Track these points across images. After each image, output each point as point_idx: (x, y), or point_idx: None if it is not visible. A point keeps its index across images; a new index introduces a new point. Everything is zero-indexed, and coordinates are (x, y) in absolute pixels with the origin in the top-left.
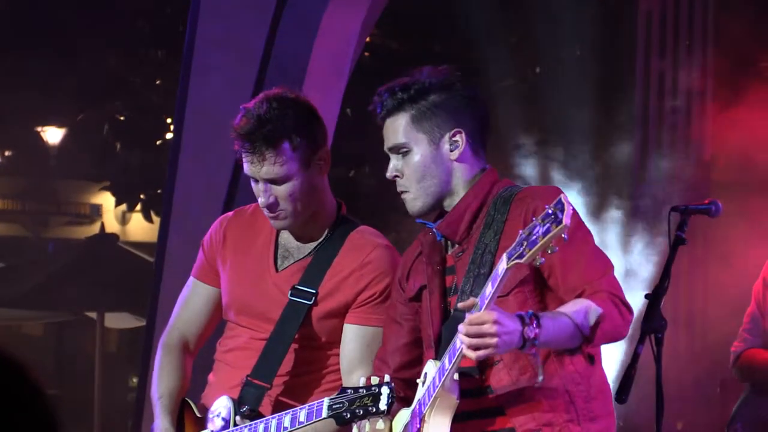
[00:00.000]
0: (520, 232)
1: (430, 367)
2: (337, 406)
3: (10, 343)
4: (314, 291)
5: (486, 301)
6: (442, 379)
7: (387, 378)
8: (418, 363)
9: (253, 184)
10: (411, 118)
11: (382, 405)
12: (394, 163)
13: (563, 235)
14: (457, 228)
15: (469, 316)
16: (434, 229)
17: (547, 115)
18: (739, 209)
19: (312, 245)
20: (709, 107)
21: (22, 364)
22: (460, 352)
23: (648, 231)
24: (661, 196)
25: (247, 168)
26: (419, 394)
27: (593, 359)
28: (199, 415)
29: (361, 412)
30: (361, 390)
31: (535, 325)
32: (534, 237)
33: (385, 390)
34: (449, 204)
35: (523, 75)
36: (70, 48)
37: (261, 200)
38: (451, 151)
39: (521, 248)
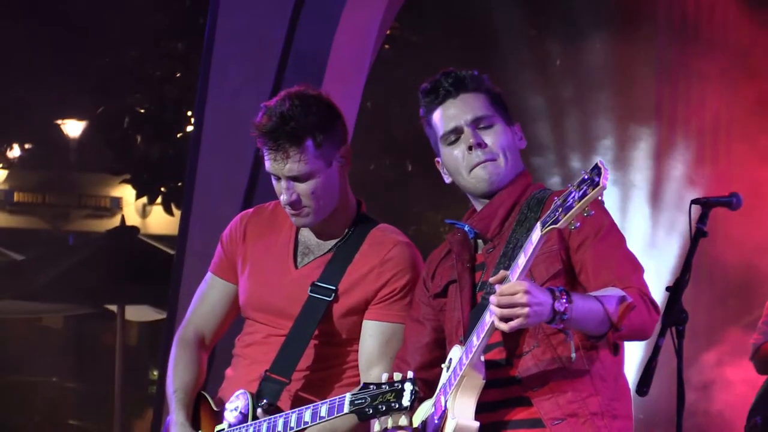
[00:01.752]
0: (555, 199)
1: (455, 352)
2: (359, 401)
3: (30, 336)
4: (334, 287)
5: (518, 272)
6: (470, 357)
7: (410, 374)
8: (438, 363)
9: (274, 181)
10: (491, 99)
11: (405, 401)
12: (477, 134)
13: (600, 198)
14: (490, 224)
15: (500, 287)
16: (466, 227)
17: (566, 107)
18: (758, 201)
19: (332, 242)
20: (730, 96)
21: None
22: (490, 326)
23: (669, 223)
24: (683, 188)
25: (269, 165)
26: (443, 379)
27: (617, 349)
28: (216, 409)
29: (384, 408)
30: (383, 386)
31: (565, 300)
32: (570, 202)
33: (408, 386)
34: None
35: (542, 67)
36: (90, 41)
37: (283, 198)
38: (520, 139)
39: (556, 214)
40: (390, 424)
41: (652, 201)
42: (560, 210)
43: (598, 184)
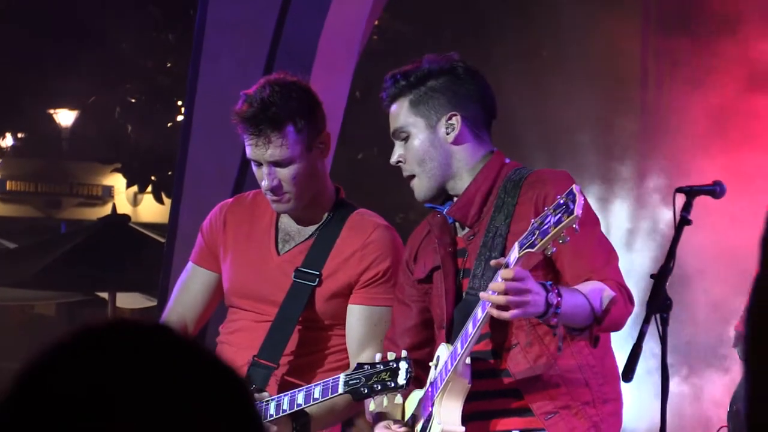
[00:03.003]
0: (532, 221)
1: (443, 351)
2: (354, 381)
3: (23, 323)
4: (318, 273)
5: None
6: (454, 364)
7: (404, 353)
8: (427, 344)
9: (255, 168)
10: (410, 103)
11: (401, 380)
12: (397, 149)
13: (574, 226)
14: (468, 212)
15: (506, 271)
16: (445, 214)
17: (552, 97)
18: (744, 189)
19: (312, 228)
20: (716, 85)
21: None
22: (474, 335)
23: (653, 211)
24: (667, 177)
25: (250, 152)
26: (431, 377)
27: (597, 341)
28: None
29: (380, 387)
30: (378, 366)
31: (556, 293)
32: (546, 226)
33: (403, 365)
34: (453, 187)
35: (529, 58)
36: (82, 32)
37: (265, 183)
38: (447, 134)
39: (533, 237)
40: (386, 403)
41: (636, 189)
42: (537, 233)
43: (572, 212)
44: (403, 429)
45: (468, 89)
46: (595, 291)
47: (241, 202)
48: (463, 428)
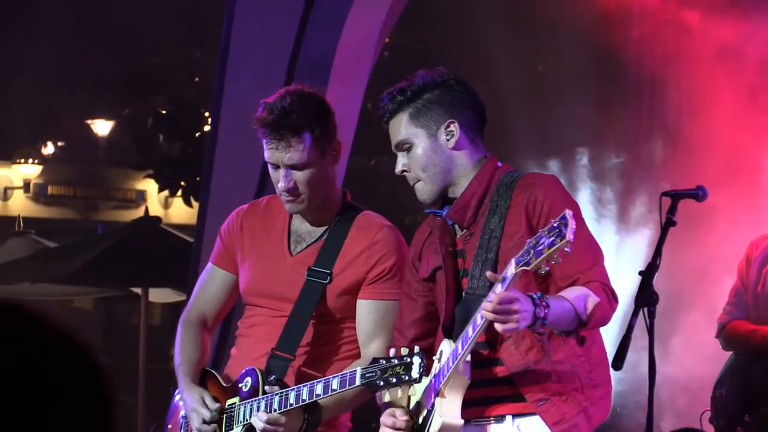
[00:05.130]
0: (528, 241)
1: (446, 347)
2: (370, 375)
3: (63, 317)
4: (329, 271)
5: (506, 284)
6: (455, 363)
7: (416, 348)
8: (432, 334)
9: (272, 170)
10: (409, 116)
11: (415, 373)
12: (401, 159)
13: (566, 249)
14: (465, 214)
15: (494, 296)
16: (444, 216)
17: (549, 111)
18: (728, 194)
19: (322, 229)
20: (703, 98)
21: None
22: (473, 338)
23: (641, 214)
24: (654, 181)
25: (269, 155)
26: (434, 370)
27: (584, 341)
28: (224, 385)
29: (395, 380)
30: (393, 360)
31: (544, 306)
32: (540, 247)
33: (416, 360)
34: (453, 191)
35: (527, 73)
36: (117, 49)
37: (281, 185)
38: (448, 140)
39: (528, 256)
40: (400, 393)
41: (626, 193)
42: (532, 253)
43: (564, 236)
44: (405, 418)
45: (461, 98)
46: (579, 297)
47: (256, 208)
48: (462, 421)
